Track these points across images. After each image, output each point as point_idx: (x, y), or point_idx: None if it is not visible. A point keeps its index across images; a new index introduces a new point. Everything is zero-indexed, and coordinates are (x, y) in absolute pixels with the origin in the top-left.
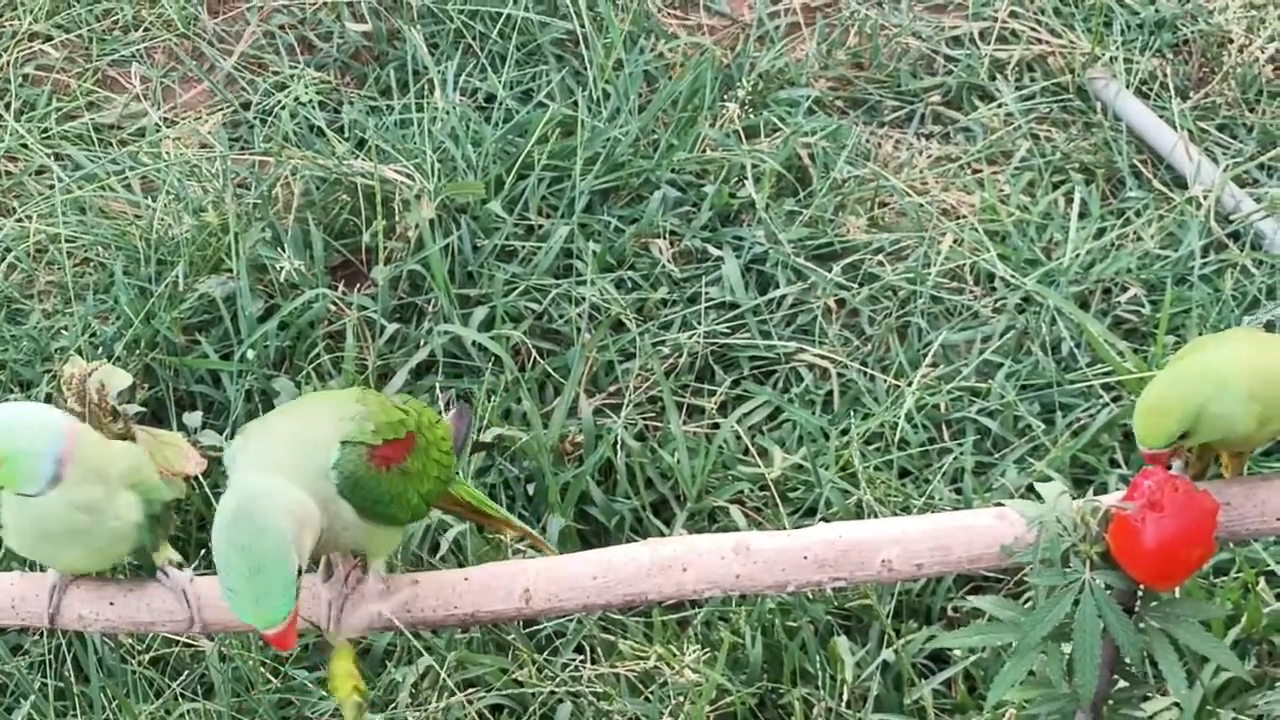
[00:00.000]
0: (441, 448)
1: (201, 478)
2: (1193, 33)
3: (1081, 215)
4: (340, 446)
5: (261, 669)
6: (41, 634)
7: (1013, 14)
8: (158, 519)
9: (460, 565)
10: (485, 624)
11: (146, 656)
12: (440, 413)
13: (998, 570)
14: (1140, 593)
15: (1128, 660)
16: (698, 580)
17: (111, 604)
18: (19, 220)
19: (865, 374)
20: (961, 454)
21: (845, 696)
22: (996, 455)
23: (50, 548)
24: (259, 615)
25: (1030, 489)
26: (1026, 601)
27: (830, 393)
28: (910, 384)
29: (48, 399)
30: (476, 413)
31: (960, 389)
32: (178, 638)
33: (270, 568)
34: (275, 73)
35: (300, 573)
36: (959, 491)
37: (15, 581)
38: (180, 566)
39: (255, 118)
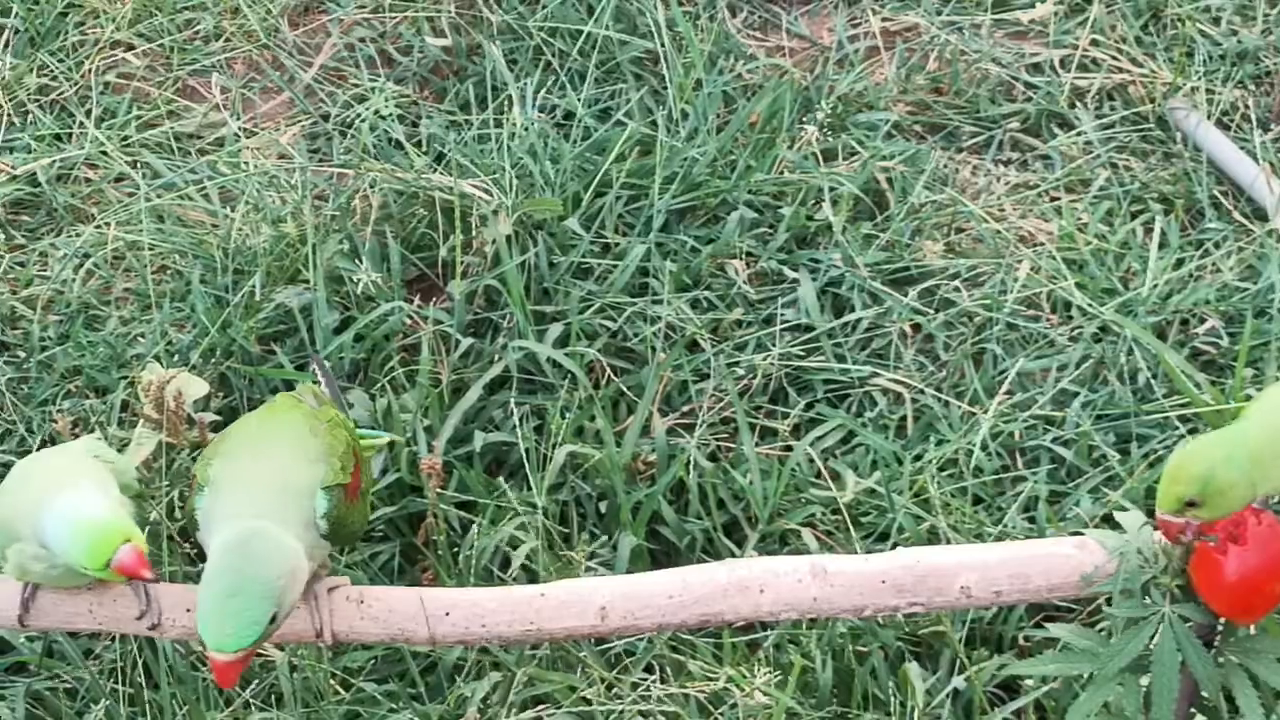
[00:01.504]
0: (360, 442)
1: None
2: (1275, 64)
3: (1160, 245)
4: (324, 494)
5: (332, 681)
6: (113, 639)
7: (1094, 42)
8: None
9: (531, 581)
10: (559, 641)
11: None
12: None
13: (1071, 601)
14: (1220, 626)
15: (1205, 695)
16: (775, 602)
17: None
18: (98, 227)
19: (940, 400)
20: (1035, 482)
21: None
22: (1070, 485)
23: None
24: (215, 636)
25: (1106, 519)
26: (1100, 632)
27: (904, 418)
28: (986, 411)
29: (124, 405)
30: (550, 429)
31: (1035, 417)
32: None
33: (250, 598)
34: (355, 85)
35: (274, 621)
36: (1032, 520)
37: None
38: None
39: (334, 129)
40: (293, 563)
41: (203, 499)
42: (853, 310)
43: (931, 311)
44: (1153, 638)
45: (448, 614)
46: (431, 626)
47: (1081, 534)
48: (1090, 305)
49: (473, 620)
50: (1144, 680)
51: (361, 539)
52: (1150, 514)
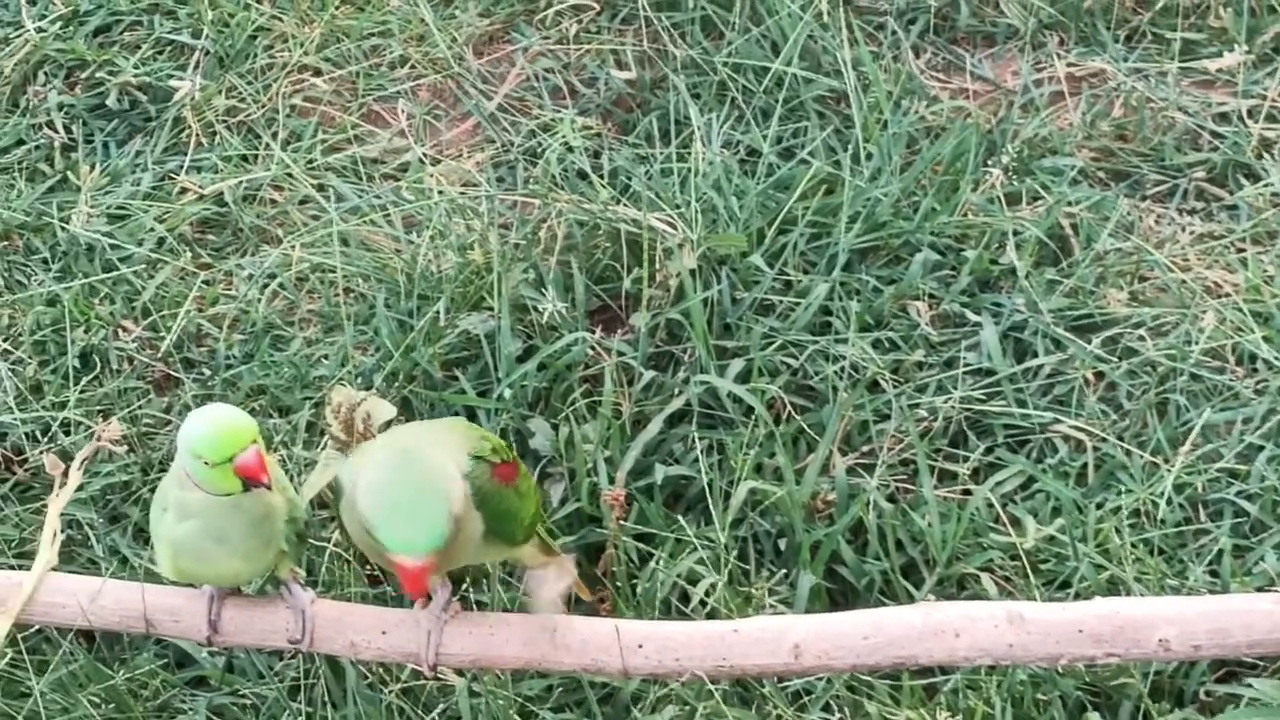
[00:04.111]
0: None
1: None
2: None
3: None
4: (470, 459)
5: (511, 711)
6: (296, 656)
7: None
8: (300, 536)
9: (709, 617)
10: (751, 677)
11: (397, 687)
12: None
13: (1256, 656)
14: None
15: None
16: (970, 647)
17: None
18: (284, 252)
19: (1122, 449)
20: (1219, 536)
21: None
22: (1254, 539)
23: (216, 554)
24: (403, 538)
25: None
26: None
27: (1085, 466)
28: (1169, 463)
29: (308, 426)
30: (731, 464)
31: (1219, 470)
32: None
33: (429, 497)
34: (538, 115)
35: (453, 525)
36: (1214, 574)
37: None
38: (305, 585)
39: (517, 159)
40: (454, 476)
41: (346, 466)
42: (1035, 356)
43: (1114, 360)
44: None
45: (641, 646)
46: (625, 658)
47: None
48: (1277, 359)
49: (666, 653)
50: None
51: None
52: None
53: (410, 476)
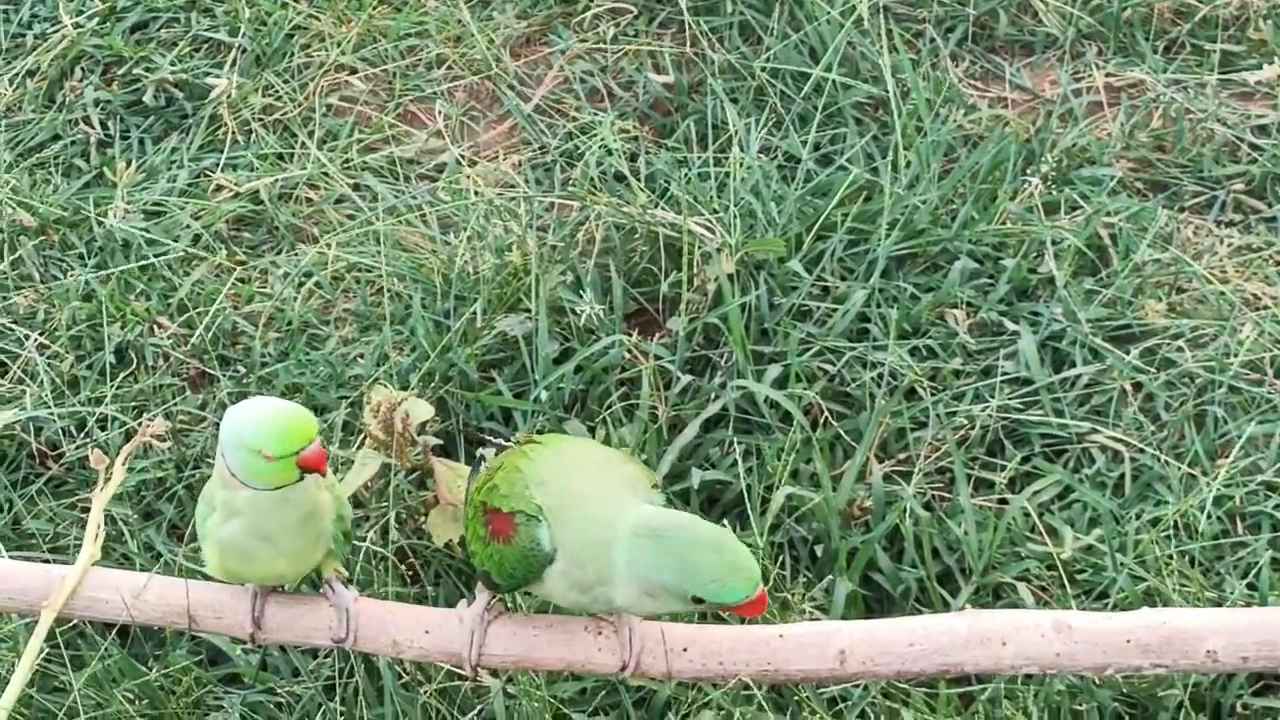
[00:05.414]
0: None
1: None
2: None
3: None
4: (653, 488)
5: (546, 714)
6: (330, 655)
7: None
8: (346, 535)
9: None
10: (795, 683)
11: (433, 687)
12: None
13: None
14: None
15: None
16: (1016, 656)
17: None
18: (320, 251)
19: (1159, 460)
20: (1257, 549)
21: None
22: None
23: (263, 553)
24: (747, 585)
25: None
26: None
27: (1122, 476)
28: (1209, 475)
29: (345, 425)
30: (768, 470)
31: (1257, 482)
32: (460, 670)
33: (723, 539)
34: (574, 118)
35: None
36: (1252, 588)
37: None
38: (347, 583)
39: (554, 161)
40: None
41: (544, 528)
42: (1073, 365)
43: (1153, 370)
44: None
45: (685, 650)
46: (669, 661)
47: None
48: None
49: (710, 657)
50: None
51: None
52: None
53: (698, 541)
